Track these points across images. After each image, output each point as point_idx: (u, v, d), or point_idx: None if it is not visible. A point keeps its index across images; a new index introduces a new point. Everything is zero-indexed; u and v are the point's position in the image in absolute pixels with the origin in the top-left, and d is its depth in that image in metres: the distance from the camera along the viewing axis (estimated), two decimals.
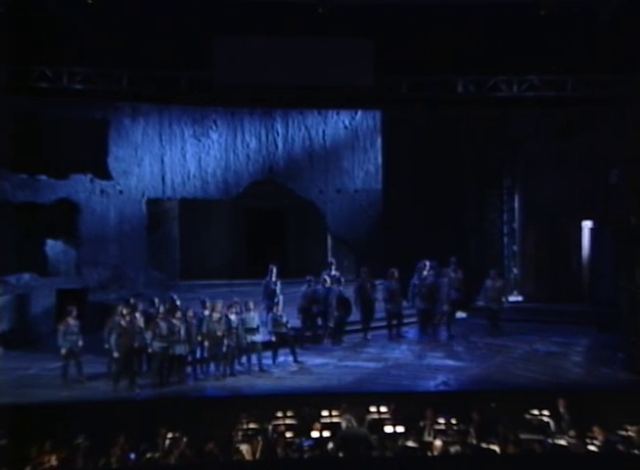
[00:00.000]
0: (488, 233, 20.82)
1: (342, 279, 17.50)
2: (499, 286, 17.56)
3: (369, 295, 17.16)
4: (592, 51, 15.00)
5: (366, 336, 17.24)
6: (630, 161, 16.38)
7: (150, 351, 14.36)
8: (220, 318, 14.77)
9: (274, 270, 16.83)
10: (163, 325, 14.34)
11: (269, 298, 16.52)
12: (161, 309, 14.73)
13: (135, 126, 20.22)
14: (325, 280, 17.01)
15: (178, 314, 14.60)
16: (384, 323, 17.54)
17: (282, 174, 21.18)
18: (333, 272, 17.25)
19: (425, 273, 17.24)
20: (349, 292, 17.25)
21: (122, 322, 14.40)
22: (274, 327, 15.47)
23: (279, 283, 16.80)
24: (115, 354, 14.26)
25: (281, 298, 16.50)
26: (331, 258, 18.02)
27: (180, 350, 14.41)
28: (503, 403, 12.98)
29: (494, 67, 15.87)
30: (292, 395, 13.87)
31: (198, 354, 14.91)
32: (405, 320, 17.73)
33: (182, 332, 14.41)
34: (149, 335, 14.32)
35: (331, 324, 16.90)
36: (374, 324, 17.48)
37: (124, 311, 14.51)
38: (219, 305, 14.95)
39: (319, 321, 16.96)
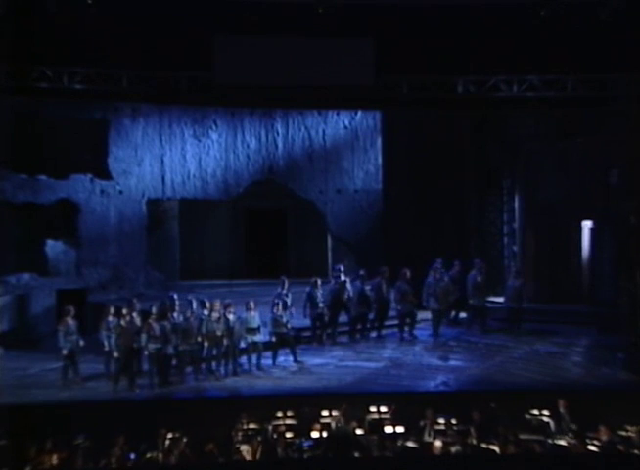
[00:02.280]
0: (488, 233, 20.82)
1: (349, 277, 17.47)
2: (518, 285, 17.60)
3: (385, 295, 17.18)
4: (592, 51, 15.00)
5: (370, 335, 17.29)
6: (630, 161, 16.36)
7: (146, 352, 14.32)
8: (219, 318, 14.77)
9: (285, 282, 16.56)
10: (156, 326, 14.33)
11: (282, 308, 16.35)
12: (154, 310, 14.68)
13: (135, 126, 20.22)
14: (338, 277, 17.10)
15: (170, 315, 14.59)
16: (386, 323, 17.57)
17: (282, 174, 21.18)
18: (342, 278, 17.16)
19: (438, 274, 17.17)
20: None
21: (122, 322, 14.41)
22: (274, 327, 15.45)
23: (290, 294, 16.48)
24: (115, 355, 14.28)
25: (288, 301, 16.31)
26: (339, 265, 17.86)
27: (169, 350, 14.40)
28: (503, 403, 12.97)
29: (494, 67, 15.87)
30: (292, 395, 13.86)
31: (194, 355, 14.88)
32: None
33: (169, 333, 14.40)
34: (144, 336, 14.31)
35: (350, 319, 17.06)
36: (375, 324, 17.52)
37: (124, 312, 14.52)
38: (218, 304, 14.94)
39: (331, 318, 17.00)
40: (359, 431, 12.28)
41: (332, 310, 16.86)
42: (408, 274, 17.03)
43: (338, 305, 16.93)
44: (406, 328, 17.22)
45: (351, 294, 16.92)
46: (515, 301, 17.47)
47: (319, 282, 16.91)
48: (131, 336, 14.33)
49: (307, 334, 16.94)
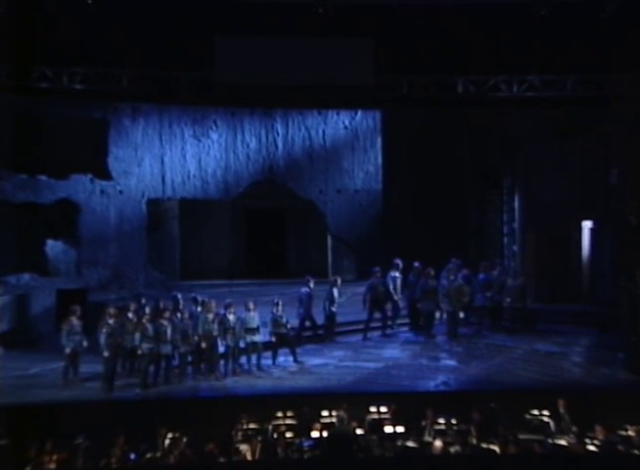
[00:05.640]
0: (488, 233, 20.81)
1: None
2: (519, 284, 17.57)
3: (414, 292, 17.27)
4: (592, 51, 15.01)
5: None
6: (630, 161, 16.38)
7: (139, 352, 14.27)
8: (214, 318, 14.74)
9: (311, 281, 16.47)
10: (149, 326, 14.31)
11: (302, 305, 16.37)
12: (147, 310, 14.65)
13: (135, 126, 20.24)
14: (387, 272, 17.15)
15: (166, 314, 14.57)
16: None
17: (282, 174, 21.20)
18: (393, 273, 17.17)
19: (452, 276, 17.06)
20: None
21: (111, 322, 14.36)
22: (274, 327, 15.43)
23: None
24: (105, 354, 14.20)
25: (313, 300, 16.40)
26: (397, 260, 17.50)
27: (166, 350, 14.36)
28: (503, 403, 12.97)
29: (494, 67, 15.88)
30: (292, 395, 13.86)
31: (196, 355, 14.88)
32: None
33: (169, 332, 14.35)
34: (137, 336, 14.28)
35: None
36: (376, 324, 17.52)
37: (112, 312, 14.48)
38: (213, 304, 14.93)
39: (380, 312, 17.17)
40: (359, 431, 12.28)
41: (371, 306, 16.93)
42: (432, 272, 16.96)
43: (379, 301, 16.97)
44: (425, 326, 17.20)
45: (393, 290, 17.06)
46: (518, 300, 17.46)
47: (339, 281, 16.95)
48: (121, 336, 14.31)
49: (308, 333, 16.94)
